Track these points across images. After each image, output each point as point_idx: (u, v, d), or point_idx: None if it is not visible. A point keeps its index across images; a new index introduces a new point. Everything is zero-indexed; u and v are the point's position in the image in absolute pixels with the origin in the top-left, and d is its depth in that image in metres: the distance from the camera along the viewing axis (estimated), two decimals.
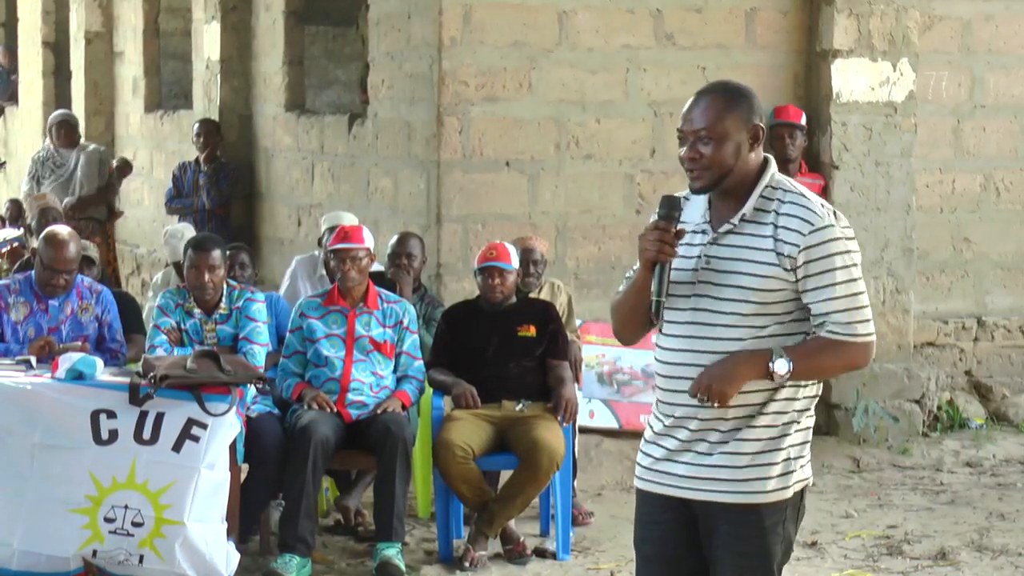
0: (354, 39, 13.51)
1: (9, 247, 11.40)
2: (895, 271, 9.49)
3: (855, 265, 4.13)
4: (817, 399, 4.25)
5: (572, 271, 8.87)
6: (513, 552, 7.16)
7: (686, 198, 4.22)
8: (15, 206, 12.91)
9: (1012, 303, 10.12)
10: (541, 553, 7.25)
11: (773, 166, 4.16)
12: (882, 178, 9.42)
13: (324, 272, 8.26)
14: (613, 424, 8.74)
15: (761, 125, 4.15)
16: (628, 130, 9.01)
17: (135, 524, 6.27)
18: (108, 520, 6.27)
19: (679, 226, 4.11)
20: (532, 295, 7.86)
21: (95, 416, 6.32)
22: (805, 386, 4.17)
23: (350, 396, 7.17)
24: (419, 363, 7.37)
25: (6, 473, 6.32)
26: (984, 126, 9.98)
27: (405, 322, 7.32)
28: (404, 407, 7.19)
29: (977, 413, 9.88)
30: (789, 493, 4.16)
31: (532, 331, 7.42)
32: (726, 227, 4.13)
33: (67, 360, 6.54)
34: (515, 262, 7.46)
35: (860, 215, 9.41)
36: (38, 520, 6.28)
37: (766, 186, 4.14)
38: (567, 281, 8.43)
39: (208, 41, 12.40)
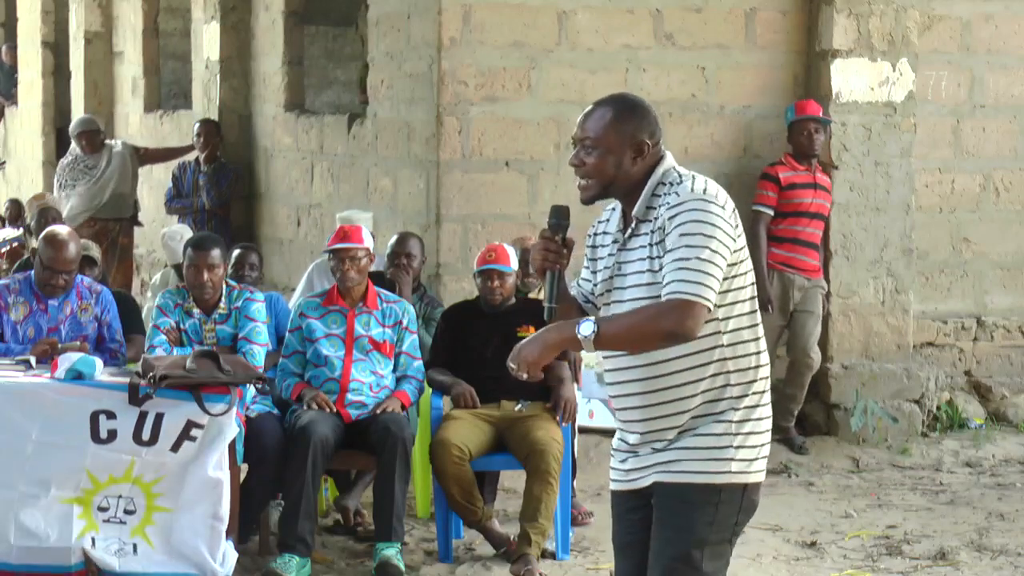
0: (354, 39, 13.52)
1: (9, 247, 11.40)
2: (894, 271, 9.49)
3: (713, 237, 4.03)
4: (764, 394, 4.21)
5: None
6: (507, 552, 7.14)
7: (613, 209, 4.31)
8: (15, 206, 12.91)
9: (1011, 303, 10.12)
10: (540, 553, 7.24)
11: (664, 164, 4.20)
12: (882, 178, 9.42)
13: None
14: (612, 424, 8.71)
15: (648, 142, 4.17)
16: None
17: (127, 512, 6.29)
18: (102, 509, 6.29)
19: (602, 240, 4.27)
20: (531, 295, 7.86)
21: (95, 416, 6.32)
22: (736, 384, 4.15)
23: (349, 396, 7.17)
24: (418, 363, 7.37)
25: (2, 469, 6.32)
26: (984, 126, 9.98)
27: (404, 322, 7.32)
28: (403, 407, 7.19)
29: (976, 413, 9.88)
30: (720, 479, 4.15)
31: (531, 331, 7.36)
32: (628, 231, 4.23)
33: (66, 360, 6.54)
34: (514, 264, 7.46)
35: (859, 215, 9.42)
36: (33, 515, 6.28)
37: (657, 183, 4.18)
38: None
39: (208, 41, 12.41)
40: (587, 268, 4.43)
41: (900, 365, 9.52)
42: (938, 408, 9.74)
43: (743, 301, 4.17)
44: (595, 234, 4.39)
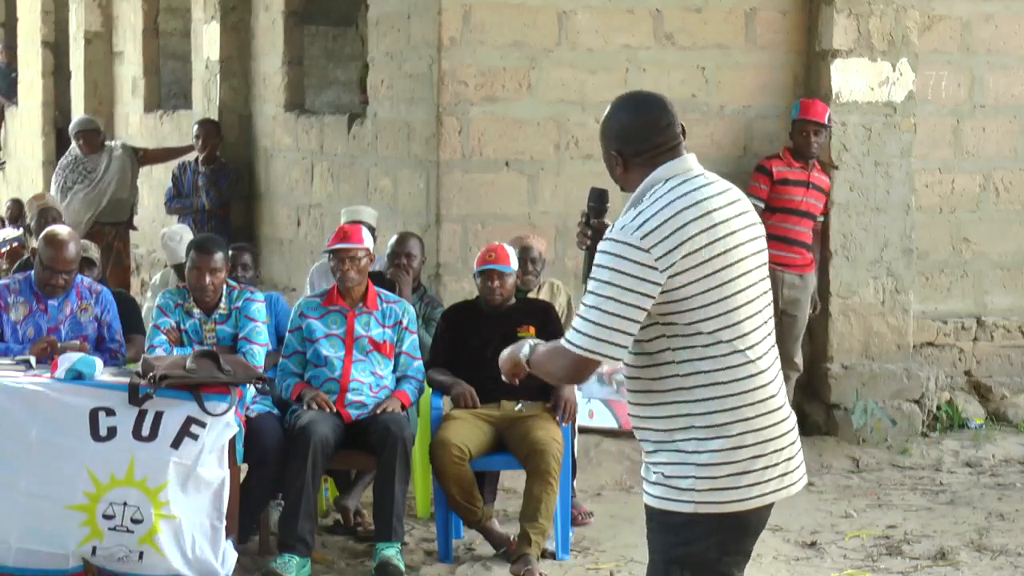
0: (353, 39, 13.53)
1: (9, 247, 11.39)
2: (894, 271, 9.49)
3: (607, 282, 3.96)
4: (726, 426, 4.03)
5: (572, 271, 8.86)
6: (507, 552, 7.14)
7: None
8: (15, 206, 12.91)
9: (1011, 303, 10.12)
10: (540, 553, 7.24)
11: (655, 174, 4.08)
12: (881, 178, 9.42)
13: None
14: (612, 424, 8.74)
15: (615, 154, 4.13)
16: None
17: (135, 521, 6.27)
18: (107, 517, 6.27)
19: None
20: (532, 295, 7.86)
21: (94, 413, 6.33)
22: (696, 414, 4.03)
23: (349, 396, 7.17)
24: (418, 363, 7.37)
25: (2, 469, 6.32)
26: (984, 126, 9.98)
27: (404, 322, 7.32)
28: (403, 407, 7.19)
29: (976, 413, 9.88)
30: (681, 508, 4.04)
31: (532, 332, 7.41)
32: None
33: (66, 360, 6.54)
34: (514, 264, 7.46)
35: (859, 215, 9.42)
36: (35, 517, 6.28)
37: (638, 196, 4.10)
38: (567, 281, 8.43)
39: (208, 41, 12.41)
40: None
41: (900, 365, 9.52)
42: (938, 408, 9.74)
43: (703, 334, 4.00)
44: None
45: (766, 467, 4.08)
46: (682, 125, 4.19)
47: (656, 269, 3.95)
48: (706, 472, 4.03)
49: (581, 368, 4.03)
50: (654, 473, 4.12)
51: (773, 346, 4.17)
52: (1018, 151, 10.07)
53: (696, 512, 4.04)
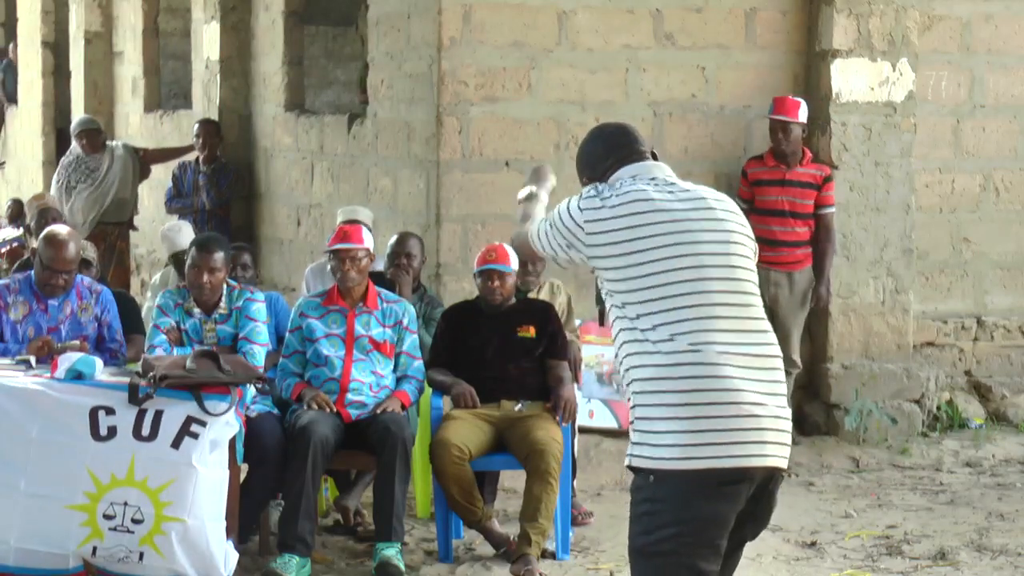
0: (354, 39, 13.52)
1: (9, 247, 11.39)
2: (894, 271, 9.49)
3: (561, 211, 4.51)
4: (663, 380, 4.25)
5: (572, 271, 8.86)
6: (507, 552, 7.14)
7: None
8: (16, 206, 12.91)
9: (1012, 303, 10.12)
10: (540, 553, 7.24)
11: (615, 175, 4.52)
12: (882, 178, 9.42)
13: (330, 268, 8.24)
14: (613, 424, 8.74)
15: (586, 180, 4.62)
16: None
17: (135, 521, 6.26)
18: (107, 517, 6.26)
19: None
20: (532, 295, 7.86)
21: (94, 413, 6.32)
22: (638, 366, 4.28)
23: (349, 396, 7.17)
24: (419, 363, 7.37)
25: (2, 469, 6.31)
26: (984, 126, 9.99)
27: (404, 322, 7.32)
28: (403, 407, 7.19)
29: (976, 413, 9.88)
30: (640, 463, 4.26)
31: (532, 332, 7.42)
32: None
33: (66, 360, 6.54)
34: (514, 264, 7.46)
35: (859, 215, 9.42)
36: (35, 517, 6.28)
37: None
38: (566, 281, 8.43)
39: (207, 41, 12.41)
40: None
41: (900, 365, 9.52)
42: (938, 408, 9.74)
43: (651, 300, 4.28)
44: None
45: (714, 431, 4.21)
46: (653, 152, 4.63)
47: (591, 221, 4.43)
48: (658, 427, 4.24)
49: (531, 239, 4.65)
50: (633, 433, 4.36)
51: (740, 332, 4.30)
52: (1018, 151, 10.07)
53: (642, 468, 4.25)
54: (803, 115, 9.04)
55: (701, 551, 4.24)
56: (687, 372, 4.22)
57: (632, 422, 4.33)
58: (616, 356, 4.40)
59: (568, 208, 4.48)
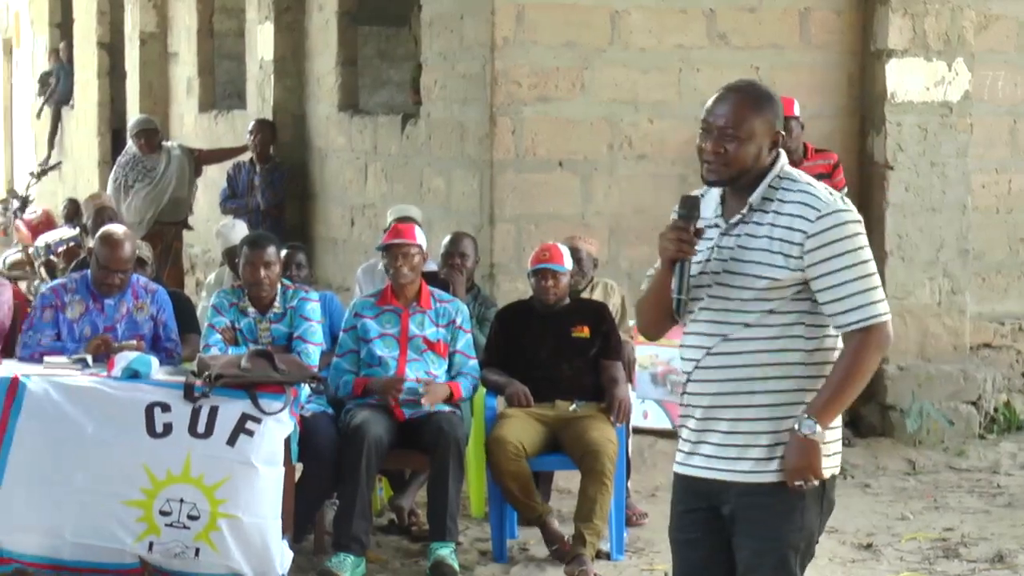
0: (407, 39, 13.54)
1: (65, 246, 11.49)
2: (951, 272, 9.43)
3: (864, 248, 4.14)
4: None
5: (625, 271, 8.85)
6: (561, 551, 7.13)
7: (702, 195, 4.32)
8: (72, 206, 13.01)
9: None
10: (595, 553, 7.23)
11: (783, 159, 4.25)
12: (937, 178, 9.36)
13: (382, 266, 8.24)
14: (667, 425, 8.71)
15: (781, 132, 4.23)
16: (681, 130, 8.97)
17: (191, 517, 6.30)
18: (163, 513, 6.30)
19: (698, 225, 4.22)
20: (585, 295, 7.85)
21: (149, 410, 6.36)
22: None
23: (403, 396, 7.17)
24: (473, 362, 7.36)
25: (58, 465, 6.36)
26: None
27: (458, 321, 7.33)
28: (452, 396, 7.16)
29: None
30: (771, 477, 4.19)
31: (586, 332, 7.41)
32: (736, 218, 4.22)
33: (123, 359, 6.58)
34: (568, 264, 7.45)
35: (915, 216, 9.36)
36: (91, 512, 6.32)
37: (775, 176, 4.21)
38: (620, 281, 8.41)
39: (262, 41, 12.46)
40: None
41: (956, 366, 9.46)
42: (995, 410, 9.67)
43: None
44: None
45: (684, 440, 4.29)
46: None
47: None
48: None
49: (891, 332, 4.15)
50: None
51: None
52: None
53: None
54: (797, 110, 8.98)
55: (682, 523, 4.36)
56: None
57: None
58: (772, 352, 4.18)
59: (856, 227, 4.16)
